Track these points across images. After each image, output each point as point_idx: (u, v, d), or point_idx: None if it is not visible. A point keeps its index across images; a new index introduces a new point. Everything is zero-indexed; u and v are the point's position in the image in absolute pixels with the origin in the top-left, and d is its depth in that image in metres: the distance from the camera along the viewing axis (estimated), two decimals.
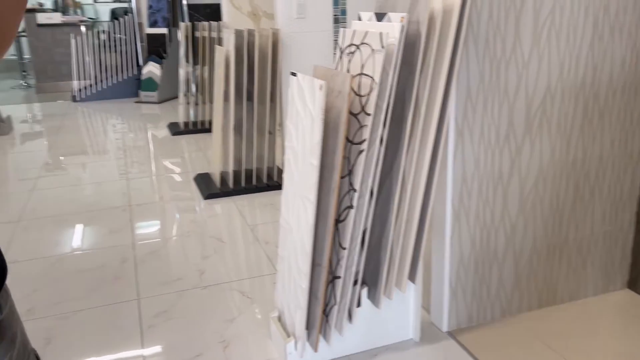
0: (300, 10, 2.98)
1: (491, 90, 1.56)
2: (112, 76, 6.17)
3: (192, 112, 4.65)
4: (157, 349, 1.68)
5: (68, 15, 6.94)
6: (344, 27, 1.56)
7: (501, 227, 1.70)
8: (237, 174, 3.12)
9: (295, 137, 1.42)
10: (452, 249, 1.65)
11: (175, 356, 1.64)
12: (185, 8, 5.98)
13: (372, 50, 1.30)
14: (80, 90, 6.09)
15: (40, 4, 7.66)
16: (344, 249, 1.40)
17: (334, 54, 3.07)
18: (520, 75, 1.58)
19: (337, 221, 1.42)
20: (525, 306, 1.82)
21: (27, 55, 7.32)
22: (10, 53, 8.28)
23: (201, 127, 4.63)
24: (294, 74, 1.40)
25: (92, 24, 7.03)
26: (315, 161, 1.30)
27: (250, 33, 2.97)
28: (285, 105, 3.05)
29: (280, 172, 3.22)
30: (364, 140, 1.33)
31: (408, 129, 1.39)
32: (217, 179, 3.18)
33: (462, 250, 1.66)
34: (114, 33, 6.24)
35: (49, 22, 6.46)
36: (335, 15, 3.10)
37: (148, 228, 2.65)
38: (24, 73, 7.66)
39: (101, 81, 6.14)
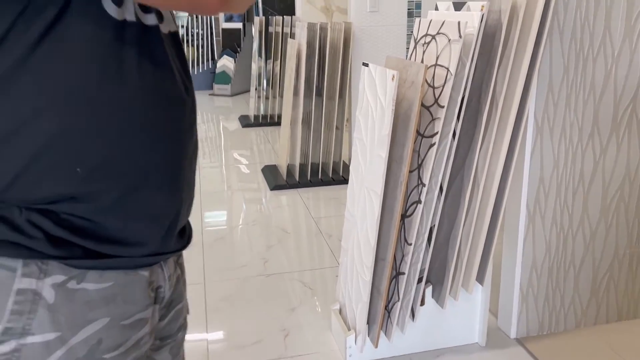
0: (373, 3, 2.95)
1: (575, 86, 1.46)
2: None
3: (262, 105, 4.73)
4: (219, 333, 1.72)
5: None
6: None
7: (580, 232, 1.59)
8: (303, 167, 3.14)
9: (364, 129, 1.40)
10: (525, 253, 1.57)
11: (237, 341, 1.67)
12: (260, 3, 6.09)
13: (449, 40, 1.26)
14: None
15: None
16: (410, 244, 1.37)
17: (407, 48, 3.02)
18: (608, 70, 1.48)
19: (404, 216, 1.39)
20: (603, 318, 1.71)
21: None
22: None
23: (270, 120, 4.71)
24: (365, 65, 1.38)
25: None
26: (383, 153, 1.27)
27: (322, 27, 2.97)
28: (354, 101, 3.03)
29: (346, 167, 3.21)
30: (436, 134, 1.28)
31: (483, 123, 1.33)
32: (283, 171, 3.21)
33: (536, 254, 1.58)
34: (191, 28, 6.47)
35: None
36: (409, 9, 3.04)
37: (216, 215, 2.72)
38: None
39: None
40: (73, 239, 0.60)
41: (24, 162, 0.58)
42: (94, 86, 0.58)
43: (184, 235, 0.74)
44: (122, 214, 0.63)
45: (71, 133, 0.58)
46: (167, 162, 0.67)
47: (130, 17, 0.60)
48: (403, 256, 1.39)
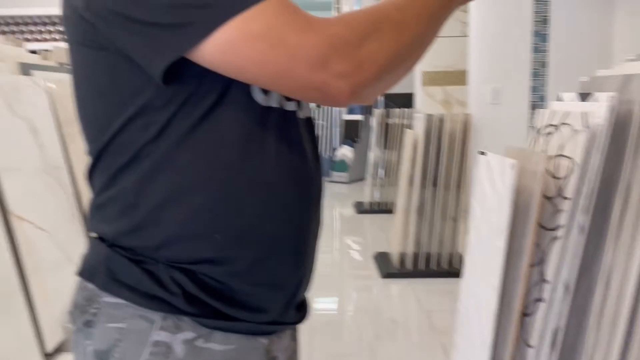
0: (495, 96, 2.95)
1: None
2: None
3: (377, 193, 4.79)
4: None
5: None
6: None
7: None
8: (416, 256, 3.07)
9: (480, 218, 1.36)
10: None
11: None
12: (381, 97, 6.36)
13: (574, 130, 1.21)
14: None
15: None
16: (531, 347, 1.25)
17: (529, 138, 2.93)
18: None
19: (524, 314, 1.28)
20: None
21: None
22: None
23: (385, 208, 4.72)
24: (482, 153, 1.36)
25: None
26: (501, 244, 1.22)
27: (441, 118, 3.01)
28: (472, 191, 2.96)
29: (461, 259, 3.08)
30: (560, 227, 1.20)
31: (616, 219, 1.22)
32: (396, 259, 3.16)
33: None
34: (316, 119, 6.88)
35: None
36: (532, 101, 2.99)
37: (325, 300, 2.71)
38: None
39: None
40: (206, 299, 0.65)
41: (175, 227, 0.65)
42: (238, 165, 0.65)
43: (302, 309, 0.78)
44: (251, 279, 0.68)
45: (215, 205, 0.65)
46: (294, 235, 0.72)
47: (275, 103, 0.68)
48: (522, 359, 1.27)
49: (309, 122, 0.78)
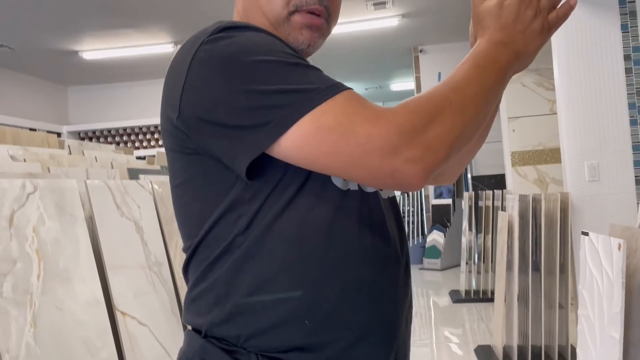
0: (592, 173, 2.79)
1: None
2: None
3: (474, 280, 4.55)
4: None
5: None
6: None
7: None
8: (522, 350, 2.81)
9: (590, 305, 1.24)
10: None
11: None
12: (470, 180, 6.23)
13: None
14: None
15: None
16: None
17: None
18: None
19: None
20: None
21: None
22: None
23: (483, 296, 4.45)
24: (585, 234, 1.27)
25: None
26: (617, 334, 1.09)
27: (536, 198, 2.87)
28: (577, 275, 2.72)
29: (574, 351, 2.79)
30: None
31: None
32: (499, 353, 2.92)
33: None
34: (403, 205, 6.83)
35: None
36: (637, 176, 2.79)
37: None
38: None
39: None
40: None
41: (264, 315, 0.67)
42: (322, 249, 0.67)
43: None
44: None
45: (302, 290, 0.66)
46: (384, 318, 0.71)
47: (354, 186, 0.71)
48: None
49: (393, 202, 0.79)
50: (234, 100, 0.63)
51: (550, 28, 0.70)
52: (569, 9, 0.70)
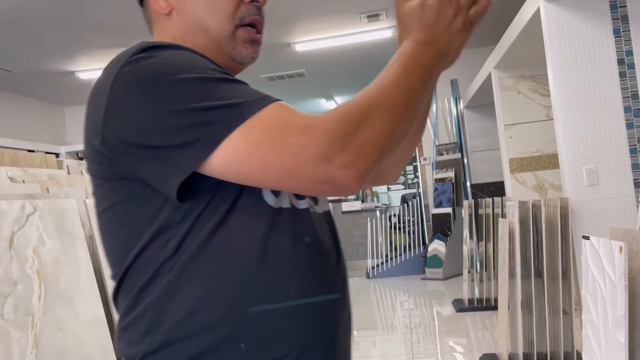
0: (590, 177, 2.79)
1: None
2: (400, 254, 6.59)
3: (476, 288, 4.53)
4: None
5: (366, 202, 7.97)
6: None
7: None
8: (528, 357, 2.79)
9: (593, 309, 1.23)
10: None
11: None
12: (469, 188, 6.23)
13: None
14: (373, 267, 6.64)
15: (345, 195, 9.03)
16: None
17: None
18: None
19: None
20: None
21: None
22: None
23: (487, 304, 4.43)
24: (586, 238, 1.27)
25: (385, 208, 7.87)
26: (622, 337, 1.09)
27: (535, 204, 2.88)
28: (580, 280, 2.71)
29: (580, 357, 2.77)
30: None
31: None
32: None
33: None
34: (403, 215, 6.83)
35: (350, 209, 7.50)
36: (635, 179, 2.79)
37: None
38: None
39: (391, 259, 6.60)
40: None
41: (199, 341, 0.65)
42: (256, 270, 0.66)
43: None
44: None
45: (237, 313, 0.65)
46: (323, 333, 0.71)
47: (286, 204, 0.70)
48: None
49: (327, 216, 0.80)
50: (160, 121, 0.62)
51: (471, 25, 0.71)
52: (487, 5, 0.71)
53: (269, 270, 0.67)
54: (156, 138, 0.62)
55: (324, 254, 0.74)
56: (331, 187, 0.61)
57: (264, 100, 0.63)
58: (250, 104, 0.62)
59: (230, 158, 0.61)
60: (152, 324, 0.67)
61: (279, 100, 0.64)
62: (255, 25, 0.79)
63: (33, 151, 6.47)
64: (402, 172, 0.98)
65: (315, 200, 0.77)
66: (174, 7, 0.78)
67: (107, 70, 0.68)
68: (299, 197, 0.73)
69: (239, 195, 0.67)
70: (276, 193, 0.70)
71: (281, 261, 0.68)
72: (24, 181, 2.66)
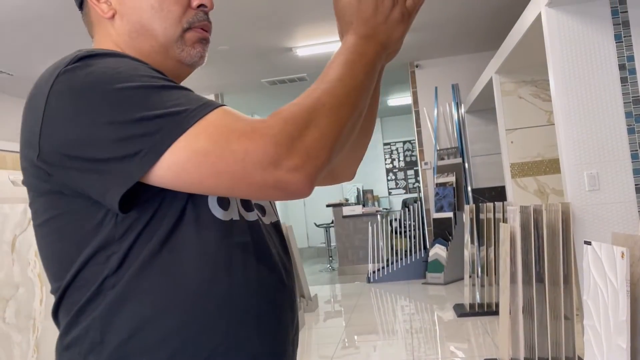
0: (592, 182, 2.79)
1: None
2: (401, 259, 6.59)
3: (477, 293, 4.52)
4: None
5: (367, 207, 7.97)
6: None
7: None
8: None
9: (595, 315, 1.23)
10: None
11: None
12: (470, 193, 6.23)
13: None
14: (374, 272, 6.63)
15: (346, 199, 9.04)
16: None
17: None
18: None
19: None
20: None
21: (333, 243, 8.48)
22: (321, 241, 9.74)
23: (488, 309, 4.42)
24: (588, 243, 1.27)
25: (387, 213, 7.86)
26: (623, 343, 1.08)
27: (536, 209, 2.88)
28: (582, 285, 2.71)
29: None
30: None
31: None
32: None
33: None
34: (404, 220, 6.83)
35: (351, 213, 7.50)
36: (637, 184, 2.79)
37: None
38: (330, 258, 8.83)
39: (392, 264, 6.60)
40: None
41: (147, 357, 0.64)
42: (206, 285, 0.66)
43: None
44: None
45: (185, 330, 0.64)
46: (271, 346, 0.71)
47: (235, 216, 0.70)
48: None
49: (277, 226, 0.80)
50: (100, 132, 0.60)
51: (409, 15, 0.72)
52: None
53: (218, 284, 0.66)
54: (96, 150, 0.60)
55: (274, 265, 0.74)
56: (281, 191, 0.60)
57: (207, 107, 0.61)
58: (193, 111, 0.60)
59: (176, 169, 0.59)
60: (95, 343, 0.65)
61: (224, 105, 0.63)
62: (205, 30, 0.78)
63: None
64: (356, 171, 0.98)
65: (263, 211, 0.78)
66: (117, 11, 0.75)
67: (41, 80, 0.66)
68: (248, 208, 0.73)
69: (184, 210, 0.66)
70: (224, 206, 0.69)
71: (231, 275, 0.67)
72: None
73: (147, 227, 0.65)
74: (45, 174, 0.65)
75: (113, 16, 0.76)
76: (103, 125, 0.60)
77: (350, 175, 0.95)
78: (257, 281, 0.70)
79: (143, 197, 0.64)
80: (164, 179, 0.60)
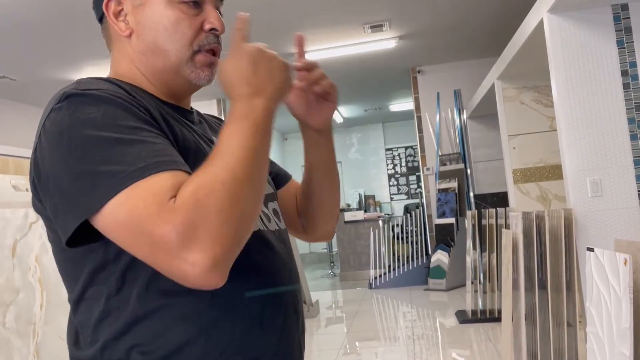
0: (594, 188, 2.78)
1: None
2: (403, 265, 6.57)
3: (480, 300, 4.50)
4: None
5: (369, 212, 7.96)
6: None
7: None
8: None
9: (598, 322, 1.22)
10: None
11: None
12: (472, 199, 6.22)
13: None
14: (375, 278, 6.61)
15: (348, 205, 9.03)
16: None
17: None
18: None
19: None
20: None
21: (335, 248, 8.46)
22: (322, 247, 9.72)
23: (490, 316, 4.40)
24: (590, 250, 1.26)
25: (388, 218, 7.85)
26: (627, 350, 1.08)
27: (539, 215, 2.87)
28: (584, 291, 2.69)
29: None
30: None
31: None
32: None
33: None
34: (406, 225, 6.81)
35: (353, 219, 7.49)
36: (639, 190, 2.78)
37: None
38: (331, 264, 8.81)
39: (394, 269, 6.58)
40: None
41: None
42: (209, 295, 0.68)
43: None
44: None
45: (191, 341, 0.67)
46: (278, 350, 0.73)
47: None
48: None
49: (280, 233, 0.82)
50: (59, 177, 0.64)
51: (286, 63, 0.74)
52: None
53: (221, 294, 0.67)
54: (54, 191, 0.65)
55: (277, 271, 0.76)
56: (187, 282, 0.60)
57: (142, 172, 0.61)
58: (130, 174, 0.61)
59: (106, 231, 0.63)
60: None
61: (166, 170, 0.62)
62: (215, 52, 0.81)
63: None
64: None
65: (267, 218, 0.80)
66: (134, 30, 0.79)
67: (44, 110, 0.71)
68: None
69: None
70: None
71: (234, 284, 0.68)
72: (27, 189, 2.66)
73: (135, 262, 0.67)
74: (38, 199, 0.71)
75: (130, 35, 0.80)
76: (61, 170, 0.64)
77: (327, 234, 0.97)
78: (260, 287, 0.72)
79: None
80: (105, 233, 0.64)
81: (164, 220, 0.58)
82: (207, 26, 0.79)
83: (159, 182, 0.61)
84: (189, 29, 0.78)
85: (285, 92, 0.73)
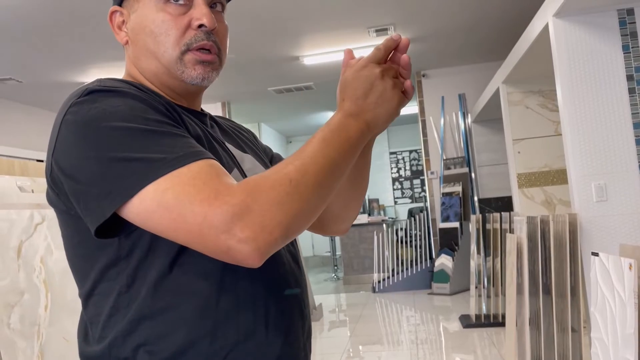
0: (599, 193, 2.77)
1: None
2: (407, 269, 6.56)
3: (484, 304, 4.49)
4: None
5: (373, 216, 7.95)
6: None
7: None
8: None
9: (602, 327, 1.22)
10: None
11: None
12: (476, 203, 6.20)
13: None
14: (379, 281, 6.60)
15: None
16: None
17: None
18: None
19: None
20: None
21: (338, 252, 8.45)
22: (326, 250, 9.72)
23: (494, 321, 4.38)
24: (595, 254, 1.26)
25: (392, 222, 7.84)
26: (631, 356, 1.07)
27: (544, 219, 2.86)
28: (589, 297, 2.68)
29: None
30: None
31: None
32: None
33: None
34: (410, 229, 6.80)
35: (357, 222, 7.48)
36: None
37: None
38: (335, 267, 8.80)
39: (397, 273, 6.56)
40: None
41: None
42: (214, 296, 0.69)
43: None
44: None
45: (198, 342, 0.68)
46: (283, 352, 0.74)
47: None
48: None
49: None
50: (88, 165, 0.65)
51: (402, 100, 0.74)
52: (410, 88, 0.74)
53: (228, 295, 0.70)
54: (82, 179, 0.66)
55: (284, 273, 0.77)
56: (230, 258, 0.62)
57: (183, 160, 0.63)
58: (170, 161, 0.63)
59: (143, 216, 0.63)
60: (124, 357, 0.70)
61: (202, 159, 0.65)
62: (209, 49, 0.80)
63: (42, 161, 6.50)
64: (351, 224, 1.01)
65: None
66: (130, 38, 0.82)
67: (62, 106, 0.72)
68: None
69: None
70: None
71: (240, 286, 0.71)
72: (33, 191, 2.67)
73: (154, 245, 0.68)
74: (54, 194, 0.72)
75: (127, 42, 0.83)
76: (91, 159, 0.65)
77: (342, 231, 0.98)
78: (266, 290, 0.73)
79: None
80: (135, 221, 0.65)
81: (221, 200, 0.60)
82: (194, 23, 0.79)
83: (205, 169, 0.63)
84: (173, 29, 0.78)
85: (386, 123, 0.74)
